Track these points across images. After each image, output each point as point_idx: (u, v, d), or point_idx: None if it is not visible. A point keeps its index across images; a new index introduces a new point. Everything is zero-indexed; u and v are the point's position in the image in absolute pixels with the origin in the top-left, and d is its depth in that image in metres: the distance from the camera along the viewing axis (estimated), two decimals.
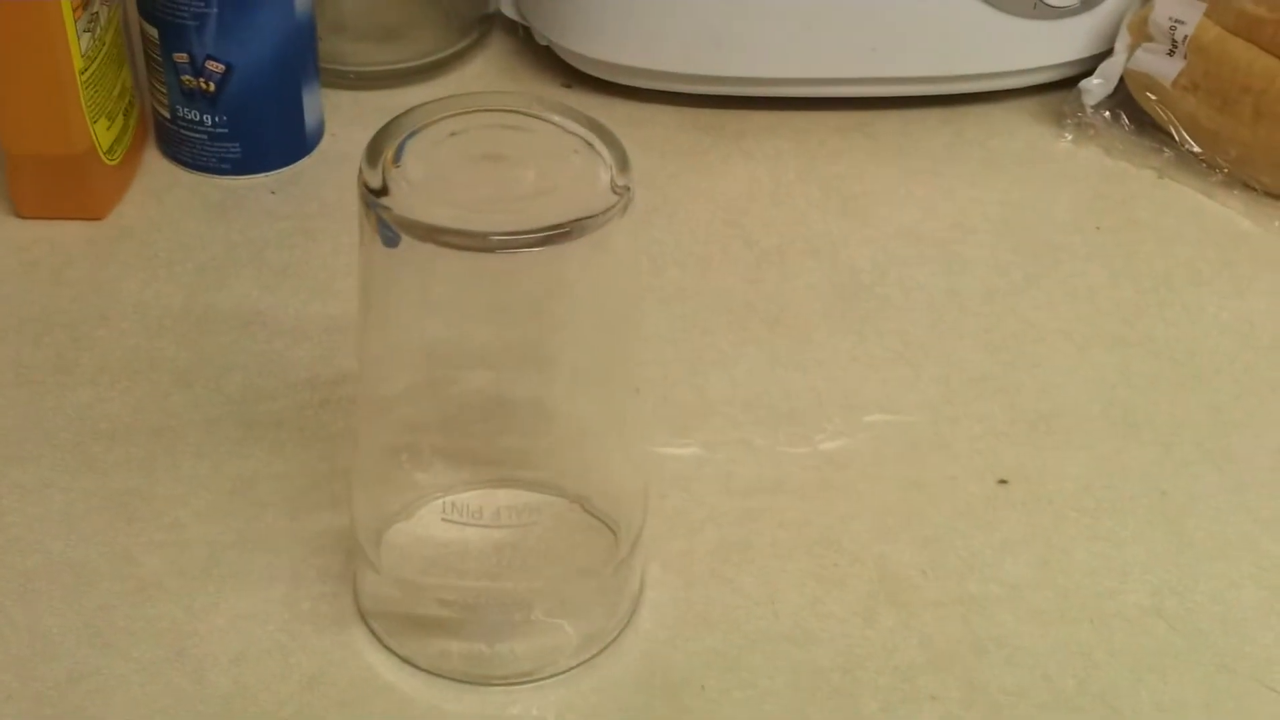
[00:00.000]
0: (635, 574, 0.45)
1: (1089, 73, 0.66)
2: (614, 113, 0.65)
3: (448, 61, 0.68)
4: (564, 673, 0.44)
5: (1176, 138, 0.64)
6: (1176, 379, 0.55)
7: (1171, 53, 0.63)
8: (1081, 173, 0.64)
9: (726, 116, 0.66)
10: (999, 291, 0.58)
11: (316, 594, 0.45)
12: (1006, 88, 0.67)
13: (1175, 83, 0.63)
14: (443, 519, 0.42)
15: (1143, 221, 0.62)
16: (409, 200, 0.37)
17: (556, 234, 0.37)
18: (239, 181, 0.61)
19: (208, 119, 0.60)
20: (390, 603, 0.44)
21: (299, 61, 0.60)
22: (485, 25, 0.69)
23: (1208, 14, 0.62)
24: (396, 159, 0.38)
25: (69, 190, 0.58)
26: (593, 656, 0.44)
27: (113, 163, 0.59)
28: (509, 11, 0.68)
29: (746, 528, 0.48)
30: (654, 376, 0.53)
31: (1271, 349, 0.56)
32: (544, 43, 0.67)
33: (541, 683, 0.43)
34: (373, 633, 0.44)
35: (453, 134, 0.39)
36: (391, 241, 0.38)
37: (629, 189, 0.38)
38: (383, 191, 0.38)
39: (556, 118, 0.40)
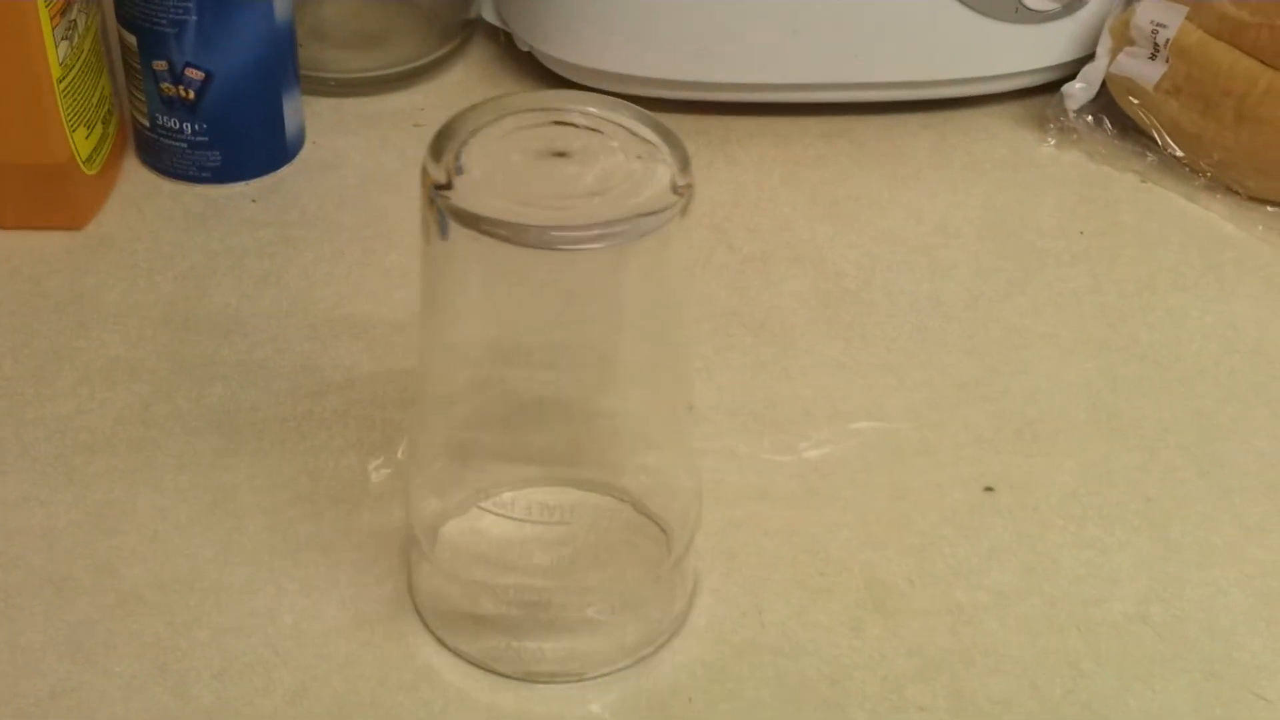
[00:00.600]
0: (689, 574, 0.45)
1: (1071, 77, 0.66)
2: None
3: (429, 68, 0.67)
4: (617, 671, 0.44)
5: (1159, 142, 0.64)
6: (1161, 384, 0.55)
7: (1153, 56, 0.63)
8: (1064, 177, 0.64)
9: (710, 122, 0.66)
10: (983, 297, 0.58)
11: (299, 607, 0.45)
12: (989, 92, 0.67)
13: (1157, 86, 0.63)
14: (497, 515, 0.42)
15: (1126, 226, 0.62)
16: (471, 196, 0.37)
17: (616, 232, 0.37)
18: (219, 190, 0.61)
19: (187, 127, 0.59)
20: (444, 597, 0.44)
21: (279, 69, 0.60)
22: (466, 31, 0.69)
23: (1189, 17, 0.62)
24: (459, 156, 0.38)
25: (48, 200, 0.57)
26: (648, 655, 0.44)
27: (92, 172, 0.58)
28: (490, 17, 0.68)
29: (732, 537, 0.48)
30: None
31: (1255, 353, 0.56)
32: (525, 49, 0.67)
33: (588, 681, 0.44)
34: (426, 626, 0.44)
35: (515, 131, 0.39)
36: (452, 238, 0.38)
37: (690, 189, 0.38)
38: (446, 186, 0.38)
39: (618, 117, 0.40)
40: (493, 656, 0.44)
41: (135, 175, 0.61)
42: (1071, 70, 0.66)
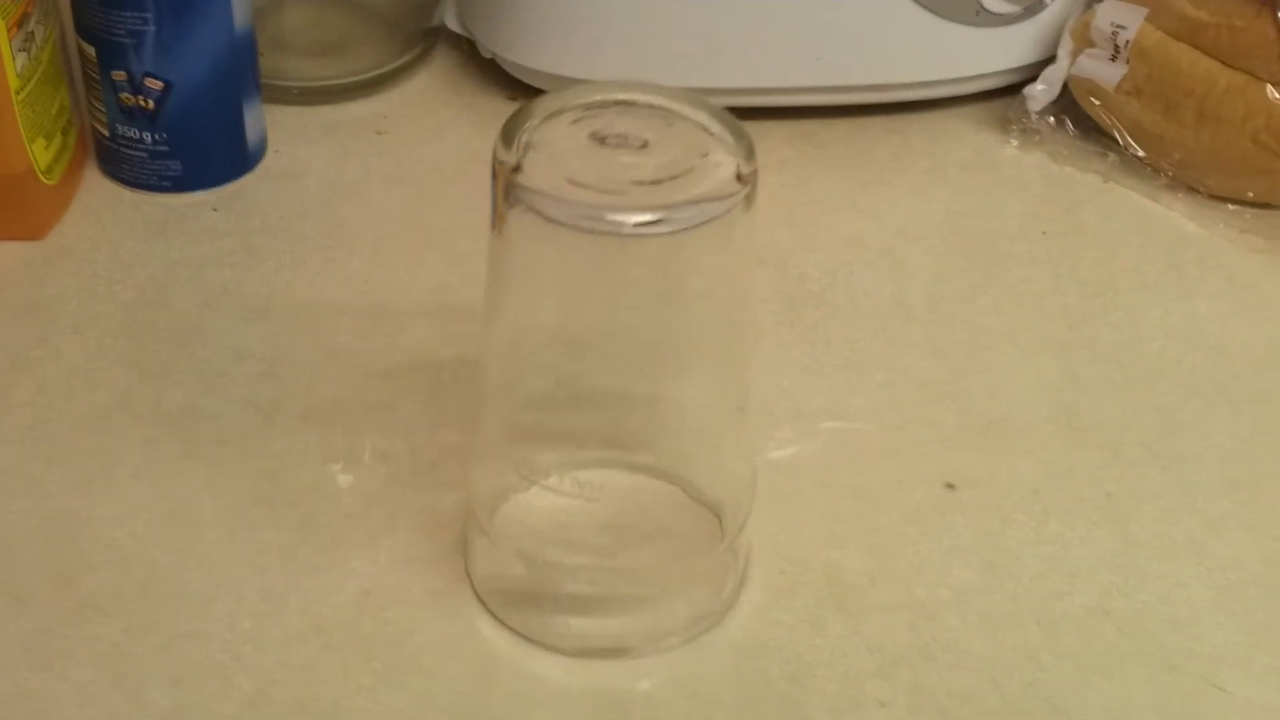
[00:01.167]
0: (740, 557, 0.46)
1: (1033, 79, 0.66)
2: None
3: (392, 75, 0.67)
4: (667, 650, 0.44)
5: (1121, 142, 0.64)
6: (1122, 382, 0.55)
7: (1114, 58, 0.63)
8: (1027, 178, 0.65)
9: None
10: (945, 298, 0.58)
11: (259, 612, 0.45)
12: (952, 95, 0.67)
13: (1118, 88, 0.63)
14: (554, 495, 0.43)
15: (1088, 226, 0.62)
16: (537, 182, 0.38)
17: (678, 218, 0.38)
18: (180, 199, 0.60)
19: (147, 137, 0.59)
20: (502, 576, 0.45)
21: (239, 78, 0.60)
22: (429, 39, 0.69)
23: (1149, 19, 0.63)
24: (528, 141, 0.39)
25: (7, 210, 0.57)
26: (698, 635, 0.45)
27: (51, 182, 0.58)
28: (453, 25, 0.68)
29: None
30: None
31: (1216, 351, 0.56)
32: (488, 56, 0.67)
33: (638, 659, 0.44)
34: (483, 604, 0.45)
35: (582, 119, 0.40)
36: (517, 222, 0.39)
37: (754, 178, 0.39)
38: (516, 170, 0.38)
39: (684, 106, 0.40)
40: (545, 631, 0.44)
41: (96, 185, 0.61)
42: (1033, 72, 0.66)
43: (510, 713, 0.43)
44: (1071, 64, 0.65)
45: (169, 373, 0.52)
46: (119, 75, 0.58)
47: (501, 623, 0.45)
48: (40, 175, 0.57)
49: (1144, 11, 0.63)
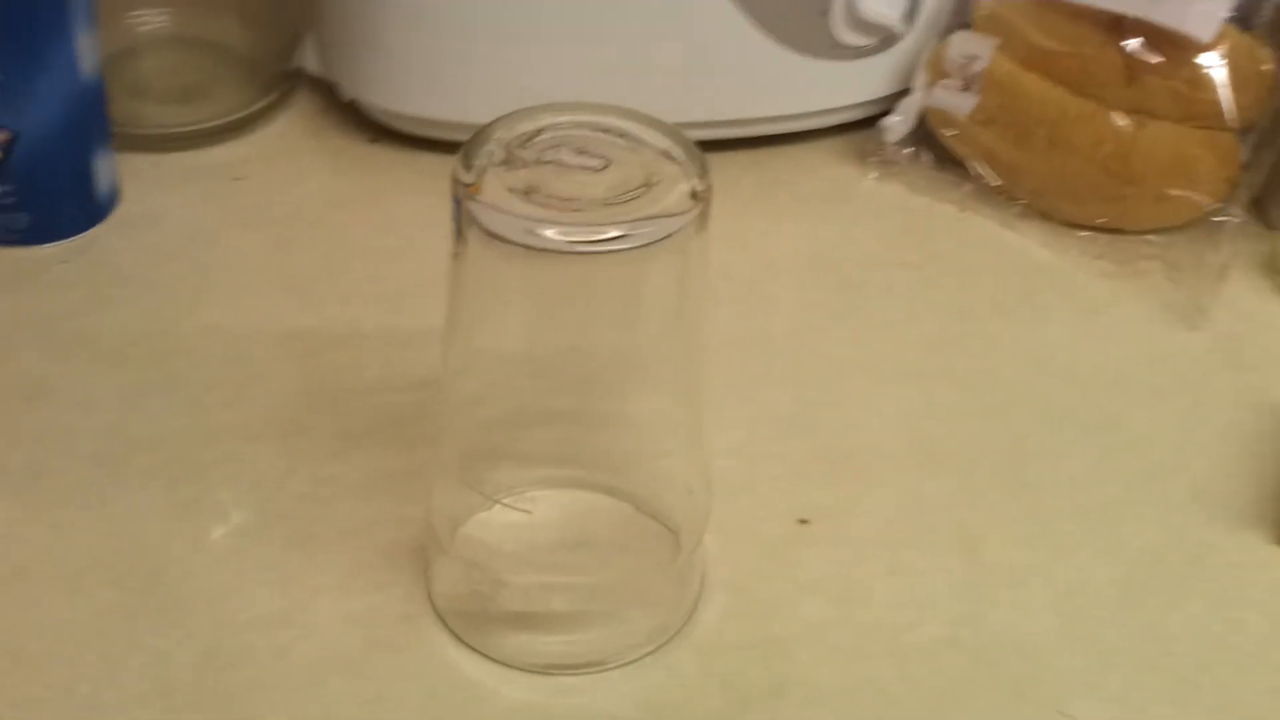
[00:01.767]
0: (697, 571, 0.47)
1: (890, 111, 0.67)
2: (423, 167, 0.65)
3: (252, 119, 0.67)
4: (629, 664, 0.45)
5: (976, 172, 0.65)
6: (976, 410, 0.55)
7: (966, 88, 0.64)
8: (886, 209, 0.65)
9: None
10: (805, 330, 0.59)
11: (96, 676, 0.44)
12: (811, 128, 0.68)
13: (971, 117, 0.64)
14: (514, 514, 0.44)
15: (944, 255, 0.63)
16: (496, 204, 0.39)
17: (636, 237, 0.39)
18: (28, 252, 0.59)
19: None
20: (462, 595, 0.46)
21: (89, 126, 0.59)
22: (289, 82, 0.68)
23: (1000, 49, 0.64)
24: (485, 164, 0.40)
25: None
26: (658, 649, 0.46)
27: None
28: (314, 68, 0.67)
29: None
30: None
31: (1068, 378, 0.57)
32: (350, 99, 0.67)
33: (602, 673, 0.45)
34: (445, 625, 0.46)
35: (539, 140, 0.41)
36: (475, 243, 0.40)
37: (708, 196, 0.40)
38: (475, 191, 0.39)
39: (639, 127, 0.41)
40: (507, 650, 0.45)
41: None
42: (890, 104, 0.67)
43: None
44: (926, 95, 0.65)
45: (9, 432, 0.51)
46: None
47: (462, 641, 0.45)
48: None
49: (995, 42, 0.64)
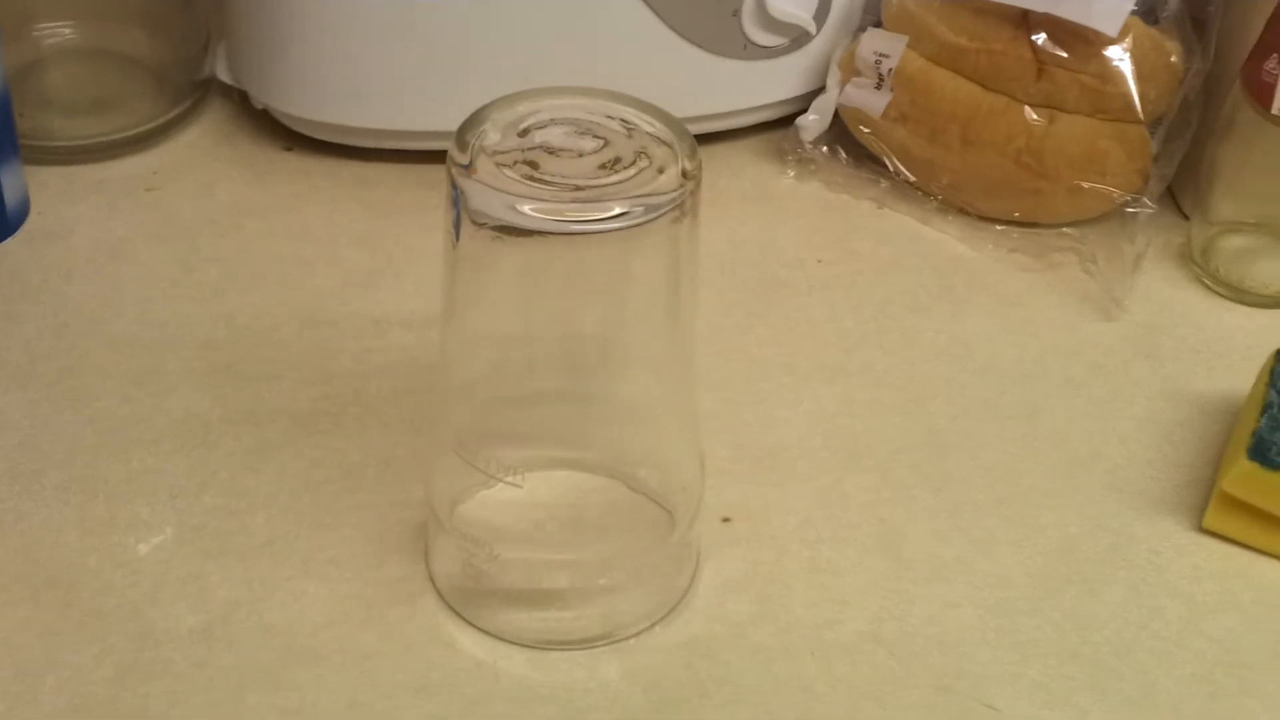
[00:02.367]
0: (692, 552, 0.48)
1: (806, 110, 0.67)
2: (339, 173, 0.65)
3: (162, 130, 0.66)
4: (623, 640, 0.46)
5: (891, 168, 0.65)
6: (895, 405, 0.56)
7: (879, 86, 0.64)
8: (804, 207, 0.65)
9: None
10: (723, 330, 0.59)
11: (12, 694, 0.43)
12: (728, 128, 0.68)
13: (885, 115, 0.64)
14: (511, 492, 0.44)
15: (862, 252, 0.63)
16: (490, 185, 0.40)
17: (629, 217, 0.40)
18: None
19: None
20: (461, 574, 0.46)
21: None
22: (200, 91, 0.68)
23: (911, 45, 0.64)
24: (480, 147, 0.41)
25: None
26: (654, 625, 0.46)
27: None
28: (224, 76, 0.66)
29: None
30: (377, 442, 0.52)
31: (985, 370, 0.57)
32: (261, 107, 0.66)
33: (599, 648, 0.46)
34: (444, 601, 0.46)
35: (532, 124, 0.42)
36: (470, 227, 0.40)
37: (698, 177, 0.41)
38: (470, 173, 0.40)
39: (629, 110, 0.42)
40: (502, 626, 0.45)
41: None
42: (805, 103, 0.67)
43: (484, 700, 0.44)
44: (840, 94, 0.66)
45: None
46: None
47: (462, 618, 0.46)
48: None
49: (905, 39, 0.64)
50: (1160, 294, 0.61)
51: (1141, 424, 0.55)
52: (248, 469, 0.51)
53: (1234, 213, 0.62)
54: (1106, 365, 0.58)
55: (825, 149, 0.67)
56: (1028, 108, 0.62)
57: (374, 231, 0.62)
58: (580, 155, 0.41)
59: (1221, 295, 0.61)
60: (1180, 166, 0.63)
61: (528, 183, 0.40)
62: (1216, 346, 0.59)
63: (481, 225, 0.40)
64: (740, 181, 0.67)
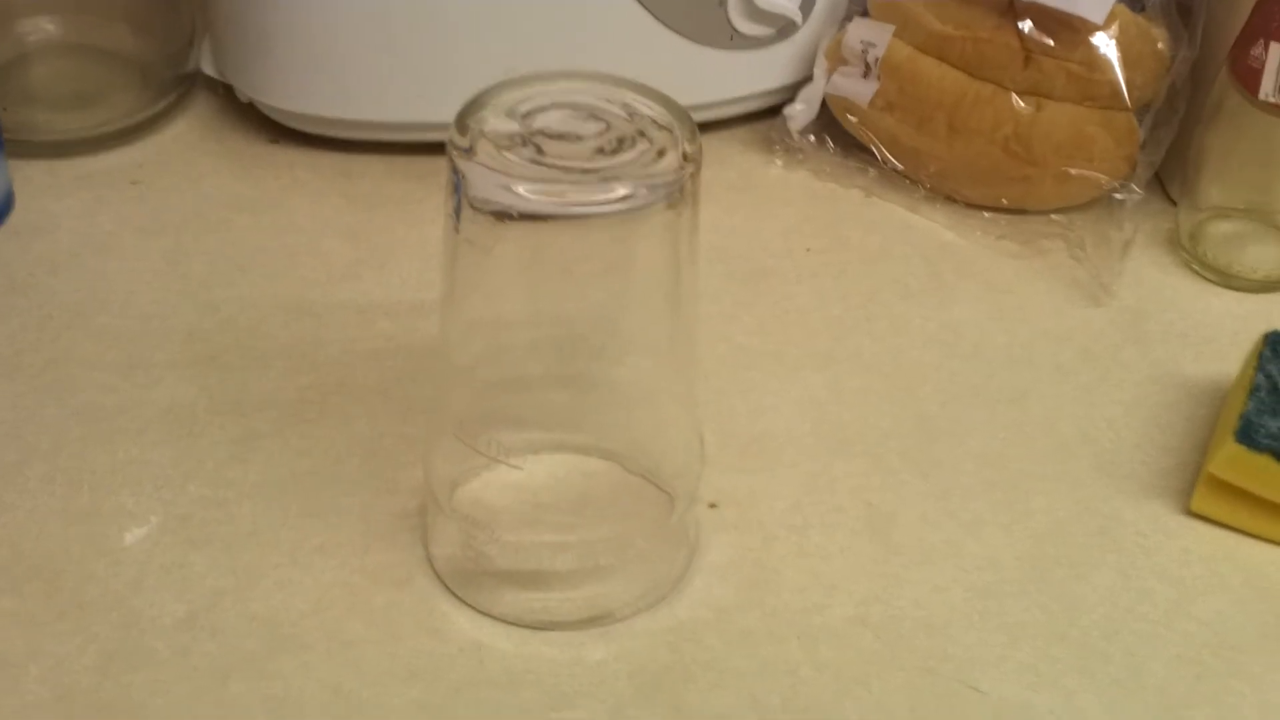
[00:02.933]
0: (689, 534, 0.48)
1: (793, 99, 0.67)
2: (324, 166, 0.65)
3: (148, 123, 0.66)
4: (621, 621, 0.46)
5: (879, 157, 0.65)
6: (884, 391, 0.55)
7: (866, 74, 0.64)
8: (792, 197, 0.65)
9: (438, 163, 0.65)
10: (712, 319, 0.58)
11: None
12: (715, 118, 0.68)
13: (872, 103, 0.64)
14: (511, 474, 0.44)
15: (850, 240, 0.63)
16: (491, 168, 0.40)
17: (630, 200, 0.40)
18: None
19: None
20: (458, 554, 0.46)
21: None
22: (185, 84, 0.67)
23: (898, 34, 0.64)
24: (480, 130, 0.41)
25: None
26: (651, 605, 0.46)
27: None
28: (209, 70, 0.66)
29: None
30: (362, 432, 0.52)
31: (973, 356, 0.57)
32: (246, 100, 0.66)
33: (596, 629, 0.46)
34: (441, 583, 0.46)
35: (532, 107, 0.42)
36: (470, 210, 0.40)
37: (699, 160, 0.41)
38: (470, 156, 0.40)
39: (630, 94, 0.42)
40: (504, 607, 0.46)
41: None
42: (792, 93, 0.67)
43: (469, 686, 0.44)
44: (827, 83, 0.66)
45: None
46: None
47: (458, 598, 0.46)
48: None
49: (891, 28, 0.64)
50: (1148, 279, 0.61)
51: (1130, 408, 0.55)
52: (234, 459, 0.50)
53: (1221, 198, 0.62)
54: (1095, 350, 0.58)
55: (813, 138, 0.67)
56: (1015, 95, 0.62)
57: (359, 223, 0.62)
58: (581, 139, 0.41)
59: (1209, 280, 0.61)
60: (1168, 153, 0.63)
61: (529, 165, 0.40)
62: (1204, 331, 0.59)
63: (482, 209, 0.40)
64: (728, 171, 0.67)
